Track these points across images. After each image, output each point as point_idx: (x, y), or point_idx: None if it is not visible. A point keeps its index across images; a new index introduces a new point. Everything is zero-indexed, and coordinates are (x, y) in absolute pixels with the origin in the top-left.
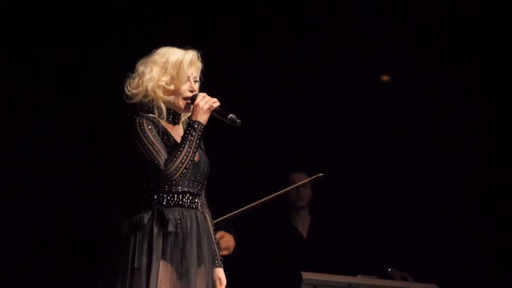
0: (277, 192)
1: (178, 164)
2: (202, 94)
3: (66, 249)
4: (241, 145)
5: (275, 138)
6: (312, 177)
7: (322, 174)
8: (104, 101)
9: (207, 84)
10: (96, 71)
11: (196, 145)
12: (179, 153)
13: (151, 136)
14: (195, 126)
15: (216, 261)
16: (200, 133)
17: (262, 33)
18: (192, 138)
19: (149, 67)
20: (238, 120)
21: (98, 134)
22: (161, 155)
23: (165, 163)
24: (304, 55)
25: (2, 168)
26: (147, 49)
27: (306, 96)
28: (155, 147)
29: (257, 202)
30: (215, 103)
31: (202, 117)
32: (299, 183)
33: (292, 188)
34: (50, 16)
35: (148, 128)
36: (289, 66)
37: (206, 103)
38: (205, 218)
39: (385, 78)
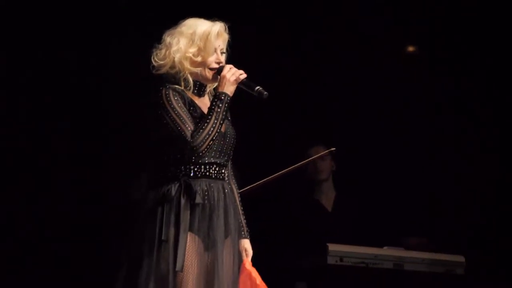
0: (290, 166)
1: (205, 136)
2: (228, 66)
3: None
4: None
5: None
6: (325, 152)
7: (334, 148)
8: (104, 100)
9: None
10: (95, 71)
11: (223, 117)
12: (205, 124)
13: (177, 107)
14: (222, 97)
15: (243, 232)
16: (226, 104)
17: (262, 33)
18: (218, 109)
19: (176, 39)
20: (265, 92)
21: (98, 133)
22: (188, 126)
23: (191, 135)
24: (304, 55)
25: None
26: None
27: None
28: (181, 118)
29: (273, 175)
30: (241, 75)
31: (229, 89)
32: (311, 158)
33: (305, 162)
34: (50, 17)
35: (175, 99)
36: (289, 66)
37: (233, 74)
38: (231, 189)
39: (411, 49)
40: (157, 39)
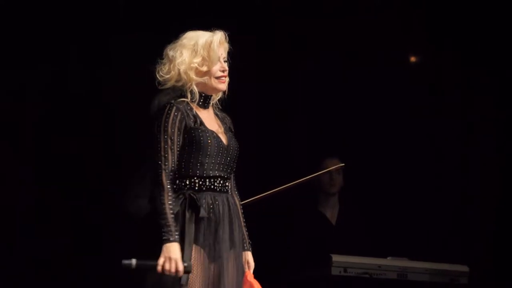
0: (302, 178)
1: (160, 194)
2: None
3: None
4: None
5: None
6: (334, 167)
7: (343, 164)
8: (104, 101)
9: None
10: (95, 70)
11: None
12: (164, 208)
13: (169, 135)
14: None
15: (245, 245)
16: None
17: (262, 32)
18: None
19: (178, 51)
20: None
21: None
22: (168, 159)
23: (166, 170)
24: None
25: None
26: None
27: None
28: (166, 150)
29: (283, 186)
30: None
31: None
32: (319, 173)
33: (312, 177)
34: (50, 16)
35: (172, 122)
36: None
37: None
38: (235, 201)
39: (412, 59)
40: (157, 39)
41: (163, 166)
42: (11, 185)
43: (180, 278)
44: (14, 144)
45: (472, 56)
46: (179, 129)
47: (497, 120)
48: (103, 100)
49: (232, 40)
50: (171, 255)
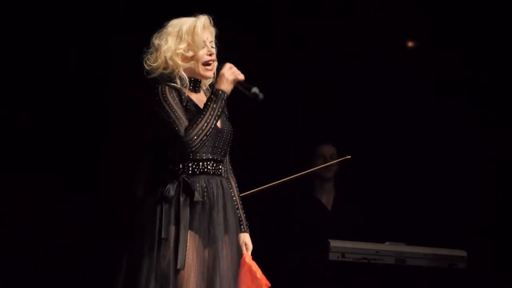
0: (304, 171)
1: (198, 131)
2: (229, 65)
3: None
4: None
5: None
6: (340, 159)
7: (350, 156)
8: (104, 101)
9: None
10: (95, 70)
11: (218, 113)
12: (199, 119)
13: (173, 103)
14: (219, 93)
15: (242, 227)
16: (223, 101)
17: (262, 32)
18: (214, 105)
19: (164, 39)
20: (261, 95)
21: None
22: (182, 122)
23: (185, 130)
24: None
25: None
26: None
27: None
28: (176, 114)
29: (286, 179)
30: (239, 75)
31: (225, 86)
32: (326, 164)
33: (317, 168)
34: (50, 16)
35: (170, 96)
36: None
37: (232, 73)
38: (229, 184)
39: (410, 44)
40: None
41: (181, 132)
42: (11, 185)
43: (176, 263)
44: (14, 144)
45: (472, 56)
46: (179, 100)
47: (497, 120)
48: (103, 99)
49: (232, 40)
50: (225, 74)
